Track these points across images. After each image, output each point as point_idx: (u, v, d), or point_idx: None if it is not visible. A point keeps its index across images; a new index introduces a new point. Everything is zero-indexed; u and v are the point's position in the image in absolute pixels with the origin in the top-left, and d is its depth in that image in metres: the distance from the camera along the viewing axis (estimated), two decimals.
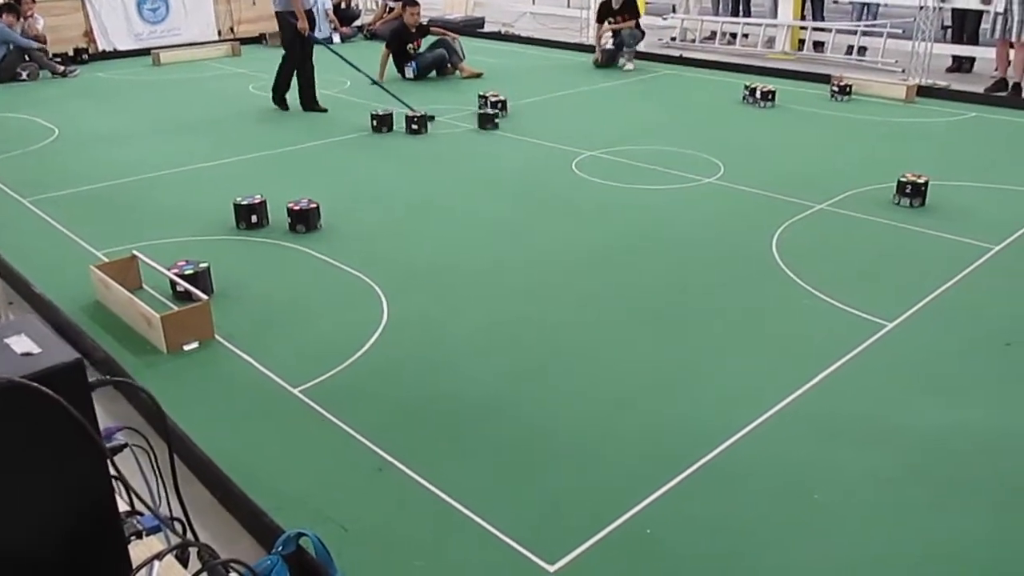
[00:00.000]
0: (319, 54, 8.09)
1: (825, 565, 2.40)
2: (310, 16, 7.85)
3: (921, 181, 5.20)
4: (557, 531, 2.53)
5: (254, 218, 5.00)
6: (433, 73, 9.89)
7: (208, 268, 4.11)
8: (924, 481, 2.74)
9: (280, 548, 2.26)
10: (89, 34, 11.58)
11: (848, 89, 8.42)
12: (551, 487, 2.74)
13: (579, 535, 2.50)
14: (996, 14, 8.44)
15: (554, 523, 2.57)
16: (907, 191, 5.22)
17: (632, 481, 2.74)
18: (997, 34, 8.53)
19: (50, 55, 10.43)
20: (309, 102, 8.17)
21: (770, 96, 8.12)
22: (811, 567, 2.40)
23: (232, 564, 1.27)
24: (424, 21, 9.71)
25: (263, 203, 5.04)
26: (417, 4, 9.75)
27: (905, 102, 8.31)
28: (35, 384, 1.08)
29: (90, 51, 11.41)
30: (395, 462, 2.85)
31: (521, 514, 2.61)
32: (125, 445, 1.43)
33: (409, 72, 9.64)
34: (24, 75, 9.95)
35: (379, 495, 2.72)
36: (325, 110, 8.17)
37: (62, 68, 10.22)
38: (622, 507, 2.61)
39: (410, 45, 9.59)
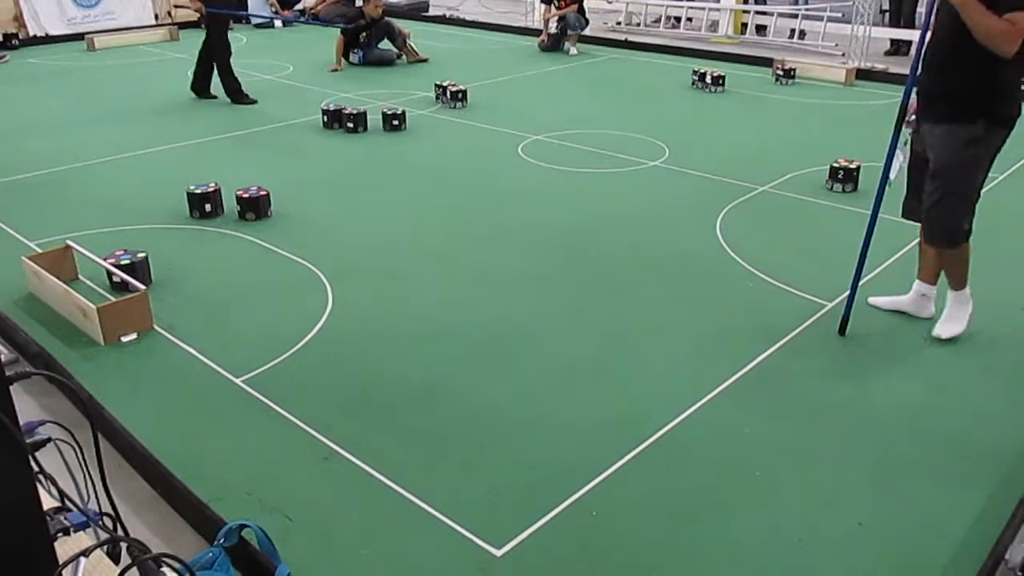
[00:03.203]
0: (266, 37, 7.89)
1: (766, 541, 2.44)
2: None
3: (853, 166, 5.29)
4: (504, 515, 2.53)
5: (208, 206, 4.89)
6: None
7: (146, 258, 4.02)
8: (861, 459, 2.80)
9: (222, 540, 2.23)
10: (19, 18, 11.17)
11: (792, 73, 8.54)
12: (497, 472, 2.74)
13: (526, 519, 2.51)
14: None
15: (501, 507, 2.57)
16: (839, 176, 5.30)
17: (577, 464, 2.75)
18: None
19: None
20: (202, 89, 7.85)
21: (720, 81, 8.18)
22: (752, 543, 2.44)
23: (164, 559, 1.24)
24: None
25: (217, 191, 4.93)
26: None
27: (845, 85, 8.46)
28: None
29: (20, 36, 11.01)
30: (340, 450, 2.82)
31: (467, 500, 2.60)
32: (48, 440, 1.39)
33: (354, 58, 9.53)
34: None
35: (324, 484, 2.69)
36: (214, 97, 7.89)
37: None
38: (568, 490, 2.63)
39: (364, 34, 9.47)
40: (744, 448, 2.85)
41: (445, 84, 7.70)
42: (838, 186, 5.28)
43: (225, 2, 7.54)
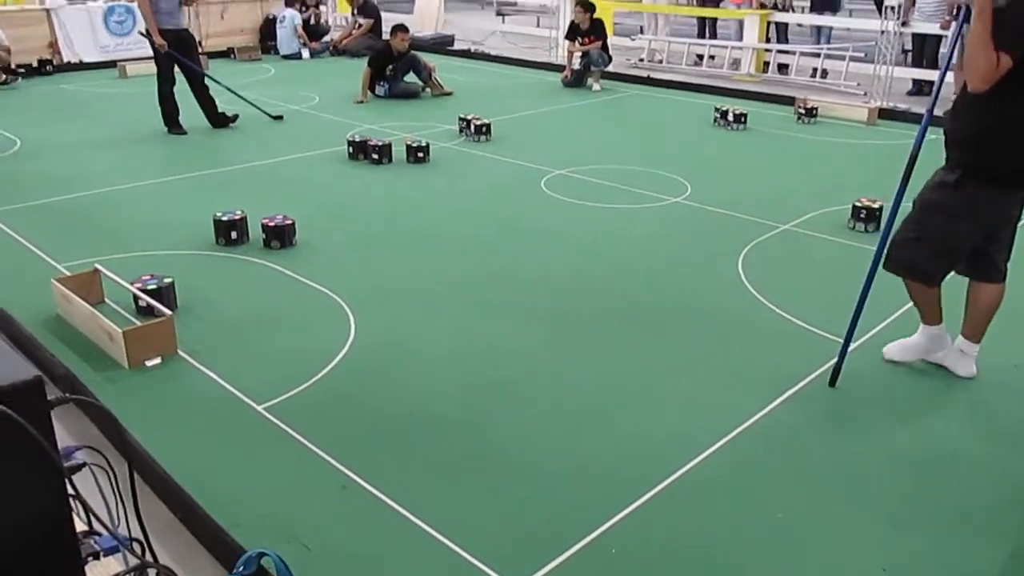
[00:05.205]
0: (294, 69, 7.99)
1: None
2: (181, 35, 7.63)
3: (876, 206, 5.27)
4: (522, 550, 2.53)
5: (234, 234, 4.96)
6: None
7: (172, 283, 4.07)
8: (885, 502, 2.78)
9: (241, 568, 2.23)
10: (54, 45, 11.45)
11: (814, 111, 8.55)
12: (516, 506, 2.73)
13: (544, 554, 2.50)
14: (952, 37, 8.64)
15: (519, 542, 2.57)
16: (861, 216, 5.28)
17: (597, 500, 2.75)
18: (955, 59, 8.72)
19: (11, 66, 10.31)
20: (215, 118, 7.96)
21: (742, 119, 8.20)
22: None
23: None
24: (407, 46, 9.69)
25: (243, 219, 5.00)
26: (407, 30, 9.77)
27: (868, 124, 8.47)
28: None
29: (55, 62, 11.28)
30: (359, 480, 2.83)
31: (486, 533, 2.60)
32: (84, 464, 1.41)
33: (380, 91, 9.64)
34: None
35: (343, 513, 2.70)
36: (235, 117, 8.04)
37: (3, 77, 10.02)
38: (587, 526, 2.62)
39: (390, 67, 9.60)
40: (765, 489, 2.83)
41: (469, 117, 7.78)
42: (860, 225, 5.28)
43: (185, 51, 7.61)
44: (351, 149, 6.96)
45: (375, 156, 6.82)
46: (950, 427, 3.23)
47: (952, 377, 3.52)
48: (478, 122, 7.65)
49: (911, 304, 3.96)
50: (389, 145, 6.89)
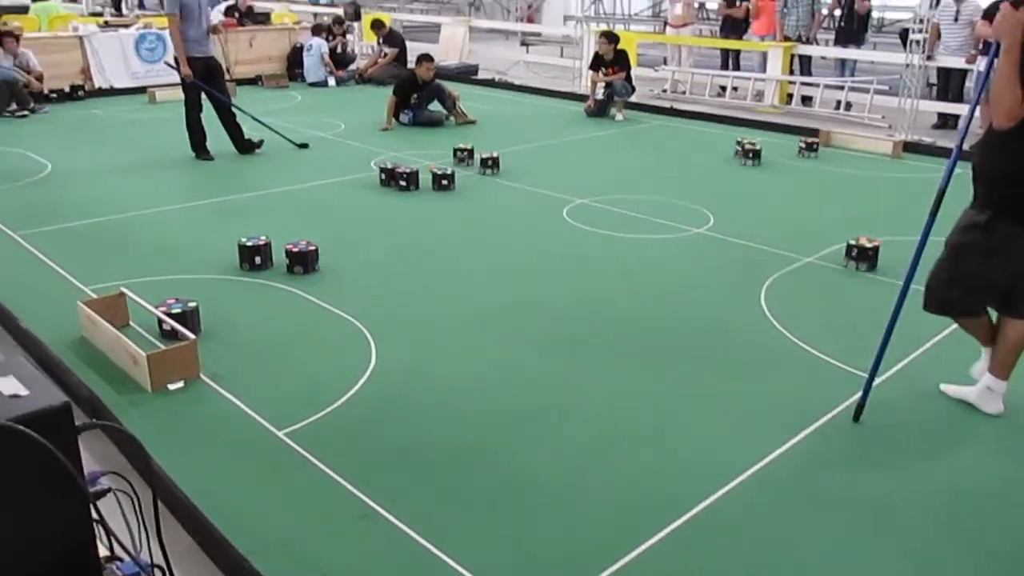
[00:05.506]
0: (320, 96, 8.08)
1: None
2: (209, 63, 7.74)
3: (870, 245, 5.11)
4: None
5: (257, 259, 5.00)
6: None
7: (197, 307, 4.10)
8: (908, 538, 2.73)
9: None
10: (86, 71, 11.67)
11: (814, 147, 8.39)
12: (536, 538, 2.71)
13: None
14: (979, 73, 8.62)
15: (538, 574, 2.54)
16: (853, 255, 5.15)
17: (616, 534, 2.72)
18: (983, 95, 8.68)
19: (44, 91, 10.52)
20: (241, 144, 8.08)
21: (757, 155, 8.07)
22: None
23: None
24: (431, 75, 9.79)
25: (267, 244, 5.04)
26: (432, 60, 9.89)
27: (892, 157, 8.43)
28: (21, 427, 1.08)
29: (86, 88, 11.50)
30: (379, 508, 2.82)
31: (505, 565, 2.58)
32: (109, 489, 1.42)
33: (405, 119, 9.72)
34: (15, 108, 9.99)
35: (362, 542, 2.68)
36: (261, 142, 8.16)
37: (32, 105, 10.19)
38: (608, 559, 2.59)
39: (415, 96, 9.69)
40: (789, 526, 2.79)
41: (469, 147, 7.75)
42: (853, 264, 5.15)
43: (212, 79, 7.76)
44: (383, 176, 7.02)
45: (403, 183, 6.88)
46: (977, 463, 3.17)
47: (979, 412, 3.47)
48: (484, 156, 7.56)
49: (936, 340, 3.94)
50: (416, 172, 6.94)
